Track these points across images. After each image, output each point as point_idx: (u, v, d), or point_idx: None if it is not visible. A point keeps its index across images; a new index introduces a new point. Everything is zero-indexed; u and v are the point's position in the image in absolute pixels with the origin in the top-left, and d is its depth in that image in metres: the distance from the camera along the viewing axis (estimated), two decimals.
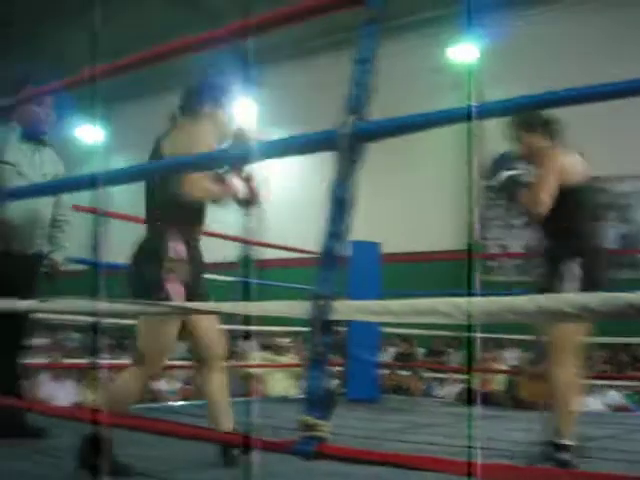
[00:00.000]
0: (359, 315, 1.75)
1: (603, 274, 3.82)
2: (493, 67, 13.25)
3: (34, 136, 4.12)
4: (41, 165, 4.07)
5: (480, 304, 1.63)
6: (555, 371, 3.83)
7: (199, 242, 3.73)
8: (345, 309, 1.74)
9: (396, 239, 11.43)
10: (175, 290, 3.34)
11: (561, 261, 3.82)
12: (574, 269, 3.75)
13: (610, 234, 13.89)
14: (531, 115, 4.01)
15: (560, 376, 3.80)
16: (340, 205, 1.82)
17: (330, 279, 1.79)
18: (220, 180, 3.52)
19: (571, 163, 3.90)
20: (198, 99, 3.76)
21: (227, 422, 3.65)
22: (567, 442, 3.70)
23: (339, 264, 1.84)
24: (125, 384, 3.48)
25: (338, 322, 1.77)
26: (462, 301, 1.64)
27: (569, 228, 3.86)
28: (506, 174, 3.96)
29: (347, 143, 1.81)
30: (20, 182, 3.92)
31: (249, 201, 3.68)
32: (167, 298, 3.25)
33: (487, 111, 1.95)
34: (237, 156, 2.24)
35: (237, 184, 3.57)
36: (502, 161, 4.04)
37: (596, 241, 3.94)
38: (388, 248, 8.36)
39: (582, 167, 3.93)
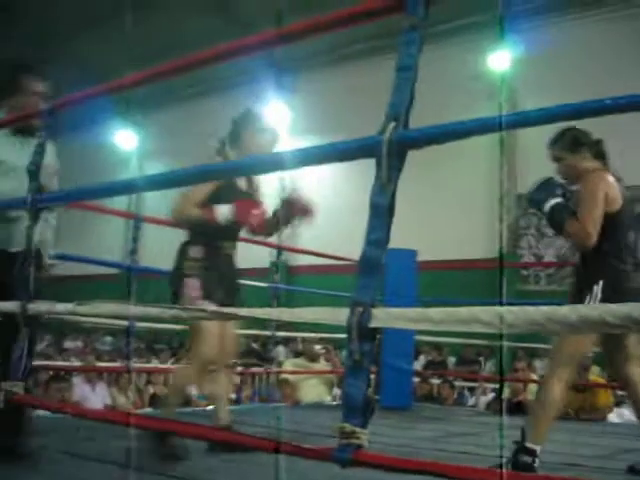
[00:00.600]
0: (398, 322, 1.74)
1: (627, 297, 3.75)
2: (530, 74, 13.20)
3: (25, 128, 3.79)
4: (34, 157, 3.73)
5: (521, 313, 1.61)
6: (549, 380, 3.83)
7: (227, 250, 4.15)
8: (384, 316, 1.74)
9: (432, 247, 11.40)
10: (191, 285, 3.90)
11: (587, 281, 3.80)
12: (596, 291, 3.72)
13: None
14: (576, 135, 3.95)
15: (551, 386, 3.79)
16: (380, 212, 1.81)
17: (370, 286, 1.79)
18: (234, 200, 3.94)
19: (614, 187, 3.83)
20: (239, 129, 4.17)
21: (227, 418, 4.12)
22: (533, 446, 3.71)
23: (381, 272, 1.84)
24: (180, 380, 4.07)
25: (378, 330, 1.77)
26: (503, 310, 1.63)
27: (600, 250, 3.78)
28: (551, 203, 3.86)
29: (388, 150, 1.81)
30: (11, 179, 3.67)
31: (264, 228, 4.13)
32: (184, 293, 3.88)
33: (526, 120, 1.94)
34: (275, 162, 2.24)
35: (221, 210, 3.90)
36: (546, 187, 3.94)
37: (625, 264, 3.85)
38: (424, 256, 8.34)
39: (621, 190, 3.87)
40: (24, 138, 3.78)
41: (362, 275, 1.80)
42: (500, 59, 14.43)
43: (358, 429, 1.72)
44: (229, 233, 4.12)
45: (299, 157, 2.18)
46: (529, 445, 3.72)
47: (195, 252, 4.00)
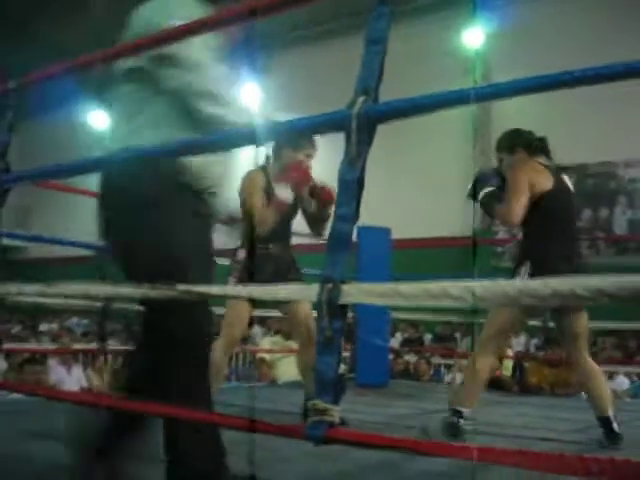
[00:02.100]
0: (369, 298, 1.73)
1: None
2: (504, 51, 13.20)
3: None
4: None
5: (492, 287, 1.60)
6: (479, 350, 4.16)
7: (273, 251, 4.60)
8: (355, 292, 1.72)
9: (407, 225, 11.41)
10: (229, 283, 4.39)
11: (519, 261, 4.16)
12: (523, 272, 4.04)
13: (618, 220, 13.87)
14: (512, 136, 4.37)
15: (480, 356, 4.12)
16: (349, 187, 1.79)
17: (340, 262, 1.77)
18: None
19: (539, 174, 4.14)
20: (280, 145, 4.59)
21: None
22: (461, 409, 4.08)
23: (350, 247, 1.82)
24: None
25: (348, 306, 1.75)
26: (475, 285, 1.62)
27: (529, 232, 4.19)
28: (484, 191, 4.22)
29: (356, 124, 1.78)
30: None
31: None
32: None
33: (496, 92, 1.93)
34: (245, 137, 2.21)
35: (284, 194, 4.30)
36: (483, 178, 4.31)
37: (553, 247, 4.11)
38: (398, 234, 8.33)
39: (551, 177, 4.16)
40: None
41: (332, 251, 1.78)
42: (474, 36, 14.43)
43: (330, 406, 1.71)
44: (275, 236, 4.49)
45: (268, 131, 2.16)
46: (457, 407, 4.09)
47: (240, 255, 4.54)
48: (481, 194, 4.22)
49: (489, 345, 4.12)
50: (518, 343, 11.05)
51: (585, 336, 4.19)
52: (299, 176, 4.32)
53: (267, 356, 8.27)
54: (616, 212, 13.86)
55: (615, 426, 4.00)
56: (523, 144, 4.28)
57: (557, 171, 4.23)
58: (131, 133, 2.58)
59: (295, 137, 4.38)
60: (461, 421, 4.04)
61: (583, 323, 4.16)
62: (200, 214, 2.54)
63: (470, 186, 4.36)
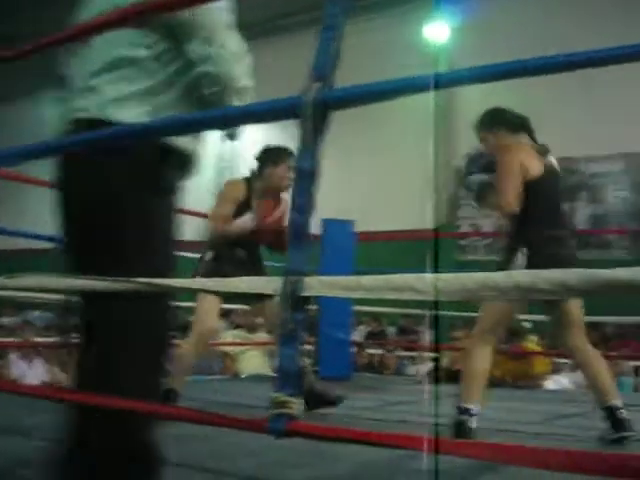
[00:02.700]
0: (331, 291, 1.72)
1: (549, 264, 3.82)
2: (467, 45, 13.24)
3: None
4: None
5: (454, 280, 1.60)
6: (475, 345, 4.08)
7: (238, 254, 4.85)
8: (316, 285, 1.71)
9: (370, 218, 11.41)
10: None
11: (513, 249, 4.05)
12: (519, 259, 3.97)
13: (580, 215, 14.00)
14: (493, 114, 4.25)
15: (477, 351, 4.06)
16: (304, 176, 1.78)
17: (300, 253, 1.75)
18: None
19: (529, 157, 4.07)
20: (261, 164, 5.00)
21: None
22: (467, 405, 3.96)
23: (309, 239, 1.81)
24: (182, 354, 4.61)
25: (310, 298, 1.74)
26: (436, 277, 1.62)
27: (523, 219, 4.05)
28: (476, 179, 4.21)
29: (311, 111, 1.77)
30: None
31: None
32: None
33: (455, 79, 1.92)
34: (194, 123, 2.18)
35: (243, 221, 4.73)
36: (473, 162, 4.28)
37: (548, 231, 4.06)
38: (361, 227, 8.33)
39: (544, 160, 4.10)
40: None
41: (292, 243, 1.77)
42: (436, 30, 14.46)
43: (291, 399, 1.70)
44: (242, 242, 4.80)
45: (220, 118, 2.13)
46: (462, 405, 3.97)
47: (208, 256, 4.84)
48: (473, 181, 4.22)
49: (484, 338, 4.04)
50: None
51: (580, 322, 4.09)
52: (264, 220, 4.80)
53: (230, 349, 8.24)
54: (577, 207, 13.96)
55: (620, 414, 3.85)
56: (504, 122, 4.20)
57: (543, 152, 4.16)
58: None
59: (274, 152, 4.99)
60: (470, 419, 3.93)
61: (576, 309, 4.06)
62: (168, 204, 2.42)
63: (464, 168, 4.34)
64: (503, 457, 1.46)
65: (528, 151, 4.10)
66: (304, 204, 1.79)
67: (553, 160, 4.18)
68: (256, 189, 4.88)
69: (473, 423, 3.93)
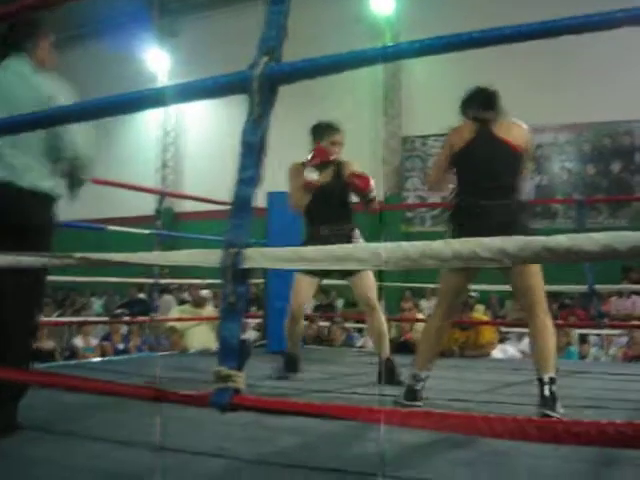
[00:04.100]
0: (272, 263, 1.70)
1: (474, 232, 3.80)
2: (414, 17, 13.26)
3: None
4: None
5: (396, 249, 1.59)
6: (432, 314, 4.21)
7: (323, 231, 5.29)
8: (257, 257, 1.69)
9: None
10: None
11: (448, 221, 4.16)
12: (450, 227, 4.08)
13: (525, 185, 14.14)
14: (464, 97, 4.25)
15: (430, 320, 4.20)
16: (251, 150, 1.75)
17: (242, 227, 1.73)
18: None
19: (459, 134, 4.12)
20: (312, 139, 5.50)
21: (387, 352, 5.19)
22: (416, 372, 4.05)
23: (253, 212, 1.79)
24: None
25: (251, 271, 1.72)
26: (378, 247, 1.61)
27: (454, 191, 4.16)
28: None
29: (258, 85, 1.74)
30: None
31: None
32: None
33: (399, 52, 1.91)
34: (144, 100, 2.15)
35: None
36: None
37: (469, 198, 4.05)
38: None
39: (471, 133, 4.09)
40: None
41: (234, 215, 1.75)
42: (383, 2, 14.45)
43: (234, 372, 1.68)
44: (323, 218, 5.29)
45: (168, 94, 2.10)
46: (413, 371, 4.06)
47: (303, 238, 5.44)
48: None
49: (437, 309, 4.12)
50: (429, 307, 11.17)
51: (539, 289, 4.00)
52: (318, 155, 5.22)
53: (178, 325, 8.19)
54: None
55: (546, 390, 3.75)
56: (465, 105, 4.23)
57: (485, 123, 4.11)
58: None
59: (318, 128, 5.50)
60: (420, 384, 4.03)
61: (534, 276, 3.98)
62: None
63: None
64: (449, 426, 1.46)
65: (461, 127, 4.15)
66: (251, 177, 1.77)
67: (498, 128, 4.11)
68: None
69: (419, 386, 4.04)
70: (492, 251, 1.46)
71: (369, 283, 5.16)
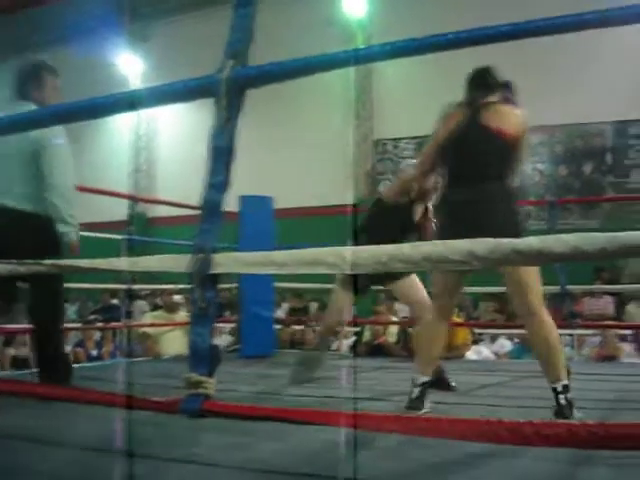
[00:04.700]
0: (241, 267, 1.69)
1: (458, 227, 3.63)
2: (387, 21, 13.28)
3: None
4: None
5: (366, 253, 1.59)
6: (422, 319, 4.15)
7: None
8: (227, 262, 1.68)
9: (290, 194, 11.39)
10: None
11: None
12: (437, 223, 4.11)
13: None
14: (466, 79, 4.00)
15: (423, 323, 4.05)
16: (220, 155, 1.75)
17: (211, 232, 1.72)
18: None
19: (443, 121, 3.94)
20: None
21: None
22: (421, 378, 3.83)
23: (222, 217, 1.78)
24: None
25: (221, 276, 1.71)
26: (347, 251, 1.60)
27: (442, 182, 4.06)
28: None
29: (226, 89, 1.73)
30: None
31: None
32: None
33: (370, 55, 1.91)
34: (113, 104, 2.13)
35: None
36: None
37: (450, 189, 3.93)
38: (282, 203, 8.30)
39: (457, 117, 3.89)
40: None
41: (204, 220, 1.74)
42: (355, 5, 14.47)
43: (204, 378, 1.67)
44: (404, 227, 5.08)
45: (137, 98, 2.09)
46: (417, 378, 3.84)
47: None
48: None
49: (432, 312, 3.93)
50: (405, 310, 11.17)
51: (534, 287, 3.66)
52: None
53: (150, 331, 8.13)
54: None
55: (562, 399, 3.53)
56: (465, 90, 3.96)
57: (476, 108, 3.85)
58: None
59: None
60: (417, 390, 3.81)
61: (529, 274, 3.66)
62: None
63: None
64: (419, 430, 1.46)
65: (449, 113, 3.93)
66: (219, 182, 1.77)
67: (490, 112, 3.84)
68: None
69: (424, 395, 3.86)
70: (461, 254, 1.45)
71: (414, 287, 5.09)
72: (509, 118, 3.84)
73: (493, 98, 3.88)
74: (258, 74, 1.79)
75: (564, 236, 1.44)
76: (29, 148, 4.11)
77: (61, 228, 4.19)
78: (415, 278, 5.07)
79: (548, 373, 3.58)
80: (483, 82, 3.91)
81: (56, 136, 4.13)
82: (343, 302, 5.27)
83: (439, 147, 3.90)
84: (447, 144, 3.86)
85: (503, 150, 3.80)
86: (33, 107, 4.14)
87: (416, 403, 3.78)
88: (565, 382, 3.52)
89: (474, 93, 3.89)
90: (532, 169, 14.52)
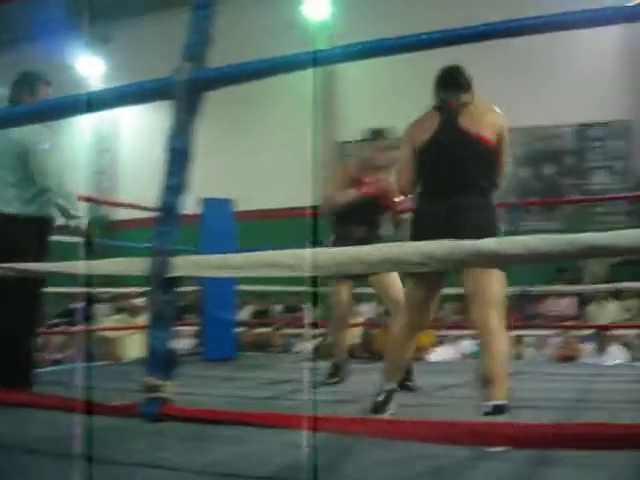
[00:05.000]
0: (199, 270, 1.68)
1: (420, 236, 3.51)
2: (349, 23, 13.29)
3: None
4: None
5: (326, 255, 1.58)
6: (394, 323, 4.07)
7: (357, 233, 5.23)
8: (184, 264, 1.66)
9: (252, 196, 11.35)
10: None
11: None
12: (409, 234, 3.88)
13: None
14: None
15: (392, 329, 4.01)
16: (177, 157, 1.73)
17: (169, 234, 1.70)
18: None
19: (416, 128, 3.78)
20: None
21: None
22: (390, 386, 3.78)
23: (180, 219, 1.76)
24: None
25: (179, 279, 1.69)
26: (307, 252, 1.59)
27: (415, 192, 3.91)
28: None
29: (183, 91, 1.72)
30: None
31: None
32: None
33: (330, 57, 1.90)
34: (72, 105, 2.11)
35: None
36: None
37: (424, 202, 3.77)
38: (243, 205, 8.27)
39: (431, 124, 3.69)
40: None
41: (161, 223, 1.72)
42: (315, 7, 14.48)
43: (162, 382, 1.65)
44: (357, 217, 5.25)
45: (94, 99, 2.06)
46: (383, 383, 3.79)
47: (330, 240, 5.37)
48: None
49: (400, 324, 3.78)
50: (369, 311, 11.19)
51: (495, 300, 3.46)
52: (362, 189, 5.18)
53: (110, 334, 8.08)
54: None
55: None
56: (433, 92, 3.77)
57: (450, 111, 3.67)
58: None
59: (371, 133, 5.28)
60: (382, 395, 3.74)
61: (493, 284, 3.46)
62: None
63: None
64: (381, 432, 1.45)
65: (423, 118, 3.75)
66: (176, 185, 1.75)
67: (466, 117, 3.66)
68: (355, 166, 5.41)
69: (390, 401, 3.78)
70: (421, 255, 1.45)
71: (390, 283, 5.08)
72: (488, 119, 3.71)
73: (466, 98, 3.71)
74: (216, 76, 1.78)
75: (524, 237, 1.44)
76: (14, 150, 4.30)
77: (72, 224, 4.48)
78: (396, 276, 5.04)
79: (486, 387, 3.31)
80: (453, 82, 3.73)
81: (42, 141, 4.34)
82: (342, 294, 5.35)
83: (413, 157, 3.71)
84: (423, 152, 3.67)
85: (484, 158, 3.66)
86: None
87: (381, 406, 3.72)
88: (497, 402, 3.23)
89: (444, 94, 3.71)
90: None
